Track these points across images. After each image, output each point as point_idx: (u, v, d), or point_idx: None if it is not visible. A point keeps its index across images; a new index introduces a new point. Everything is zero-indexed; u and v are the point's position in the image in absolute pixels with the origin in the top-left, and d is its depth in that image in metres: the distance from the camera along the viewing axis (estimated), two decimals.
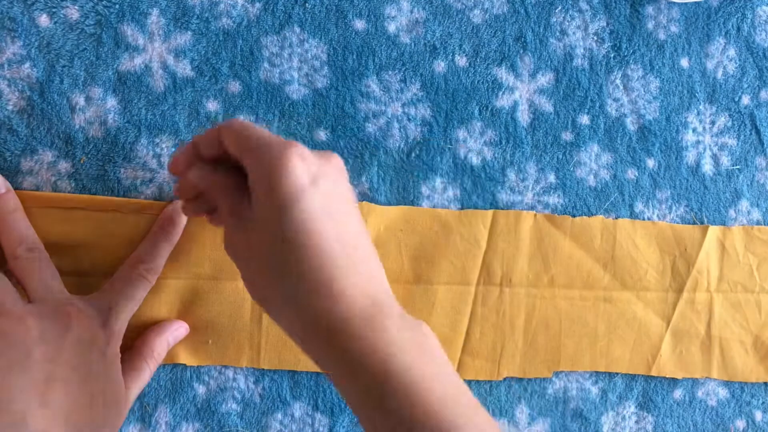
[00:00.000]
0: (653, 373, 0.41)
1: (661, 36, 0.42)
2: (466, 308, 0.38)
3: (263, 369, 0.37)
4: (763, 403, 0.43)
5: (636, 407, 0.41)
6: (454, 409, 0.26)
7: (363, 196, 0.38)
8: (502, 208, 0.39)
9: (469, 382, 0.39)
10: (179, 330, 0.35)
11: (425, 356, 0.27)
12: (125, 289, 0.32)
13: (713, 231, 0.42)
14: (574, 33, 0.41)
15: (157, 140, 0.35)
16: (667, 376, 0.41)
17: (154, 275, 0.33)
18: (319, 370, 0.36)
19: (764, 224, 0.44)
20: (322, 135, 0.37)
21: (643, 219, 0.42)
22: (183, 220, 0.35)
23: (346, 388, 0.27)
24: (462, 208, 0.39)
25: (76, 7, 0.34)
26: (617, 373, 0.41)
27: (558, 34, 0.41)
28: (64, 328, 0.29)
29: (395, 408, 0.25)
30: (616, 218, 0.41)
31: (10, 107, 0.34)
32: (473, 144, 0.39)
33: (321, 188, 0.26)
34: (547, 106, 0.41)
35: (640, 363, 0.41)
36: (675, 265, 0.41)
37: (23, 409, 0.27)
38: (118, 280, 0.32)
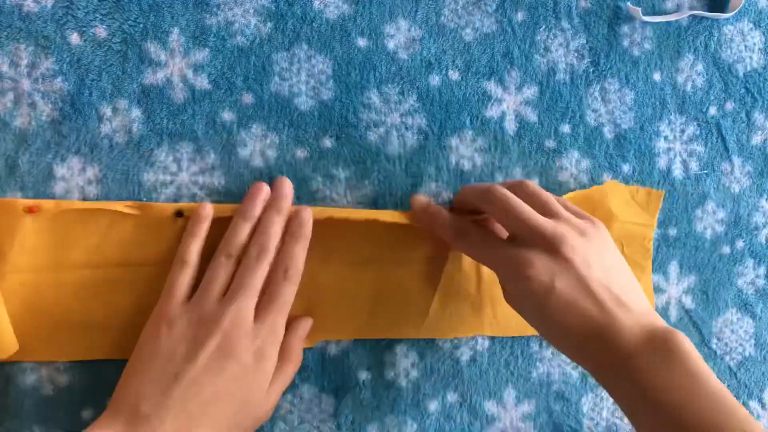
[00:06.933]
0: (422, 334, 0.40)
1: (636, 52, 0.44)
2: None
3: None
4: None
5: None
6: (718, 416, 0.30)
7: (365, 198, 0.40)
8: None
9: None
10: (307, 324, 0.38)
11: (670, 371, 0.31)
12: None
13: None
14: (556, 50, 0.43)
15: (177, 147, 0.37)
16: (438, 337, 0.41)
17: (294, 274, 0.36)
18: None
19: (729, 225, 0.46)
20: (327, 143, 0.39)
21: None
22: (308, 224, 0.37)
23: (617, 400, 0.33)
24: None
25: (103, 27, 0.36)
26: None
27: (542, 50, 0.43)
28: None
29: (649, 416, 0.31)
30: None
31: (44, 117, 0.36)
32: (465, 151, 0.42)
33: (558, 288, 0.33)
34: (532, 116, 0.43)
35: (409, 326, 0.40)
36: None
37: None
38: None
